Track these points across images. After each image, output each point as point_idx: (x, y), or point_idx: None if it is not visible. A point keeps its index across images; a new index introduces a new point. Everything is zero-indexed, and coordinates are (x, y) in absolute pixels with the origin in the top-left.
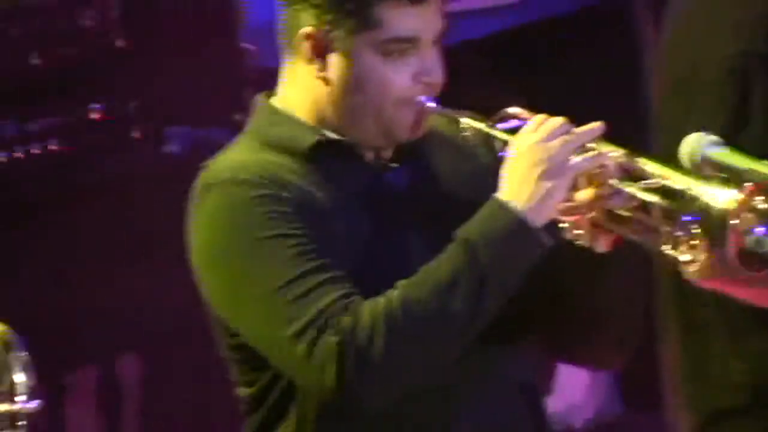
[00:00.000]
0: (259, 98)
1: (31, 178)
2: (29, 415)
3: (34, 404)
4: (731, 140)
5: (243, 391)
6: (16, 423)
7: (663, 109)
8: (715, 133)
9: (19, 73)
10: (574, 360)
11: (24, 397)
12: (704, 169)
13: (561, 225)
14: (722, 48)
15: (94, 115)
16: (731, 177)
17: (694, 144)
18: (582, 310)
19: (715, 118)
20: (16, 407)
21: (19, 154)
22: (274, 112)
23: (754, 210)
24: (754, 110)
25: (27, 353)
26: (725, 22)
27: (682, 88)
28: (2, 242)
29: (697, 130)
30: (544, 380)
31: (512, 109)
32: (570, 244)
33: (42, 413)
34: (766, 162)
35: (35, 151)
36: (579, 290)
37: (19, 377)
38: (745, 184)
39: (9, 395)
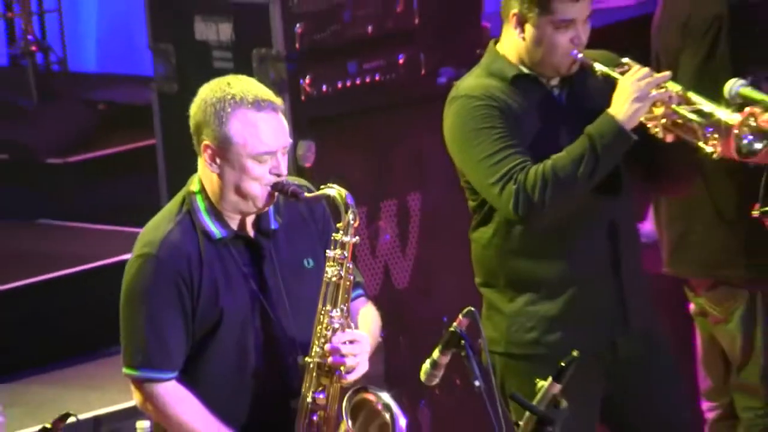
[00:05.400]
0: (490, 44)
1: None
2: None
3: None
4: (703, 69)
5: (470, 204)
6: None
7: (662, 40)
8: (694, 66)
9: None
10: (658, 189)
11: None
12: (735, 99)
13: (649, 127)
14: (707, 10)
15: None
16: (748, 104)
17: (731, 84)
18: (658, 160)
19: (696, 55)
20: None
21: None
22: (496, 54)
23: (748, 126)
24: (721, 55)
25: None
26: None
27: (678, 30)
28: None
29: (686, 64)
30: (640, 213)
31: (625, 60)
32: (654, 136)
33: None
34: None
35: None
36: (659, 153)
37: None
38: (745, 110)
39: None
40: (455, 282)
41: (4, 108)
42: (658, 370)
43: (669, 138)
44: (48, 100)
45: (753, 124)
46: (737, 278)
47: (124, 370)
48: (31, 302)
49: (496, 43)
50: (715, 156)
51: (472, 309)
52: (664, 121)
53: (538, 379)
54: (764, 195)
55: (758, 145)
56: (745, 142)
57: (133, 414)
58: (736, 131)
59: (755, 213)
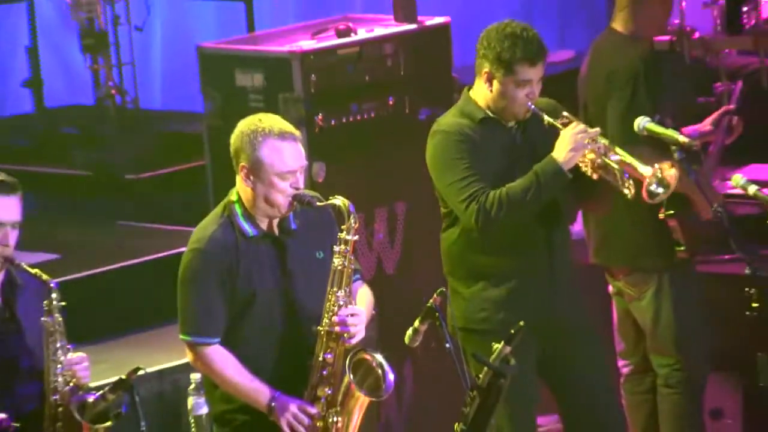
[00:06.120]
0: (465, 90)
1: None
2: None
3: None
4: (626, 113)
5: (442, 211)
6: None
7: (590, 90)
8: (620, 110)
9: None
10: (586, 208)
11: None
12: (643, 132)
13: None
14: (627, 64)
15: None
16: (654, 141)
17: (639, 120)
18: (588, 189)
19: (620, 101)
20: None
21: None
22: (469, 98)
23: (656, 177)
24: (640, 100)
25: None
26: (628, 52)
27: (604, 81)
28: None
29: (613, 108)
30: (573, 217)
31: (565, 113)
32: (584, 173)
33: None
34: (673, 130)
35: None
36: (587, 184)
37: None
38: (655, 165)
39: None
40: (431, 270)
41: (91, 137)
42: (582, 342)
43: (595, 176)
44: (124, 131)
45: (660, 176)
46: (650, 265)
47: (180, 336)
48: (111, 284)
49: (469, 89)
50: (629, 197)
51: (444, 290)
52: (592, 164)
53: (494, 342)
54: (668, 201)
55: (660, 190)
56: (652, 188)
57: (188, 369)
58: (647, 181)
59: (662, 216)
